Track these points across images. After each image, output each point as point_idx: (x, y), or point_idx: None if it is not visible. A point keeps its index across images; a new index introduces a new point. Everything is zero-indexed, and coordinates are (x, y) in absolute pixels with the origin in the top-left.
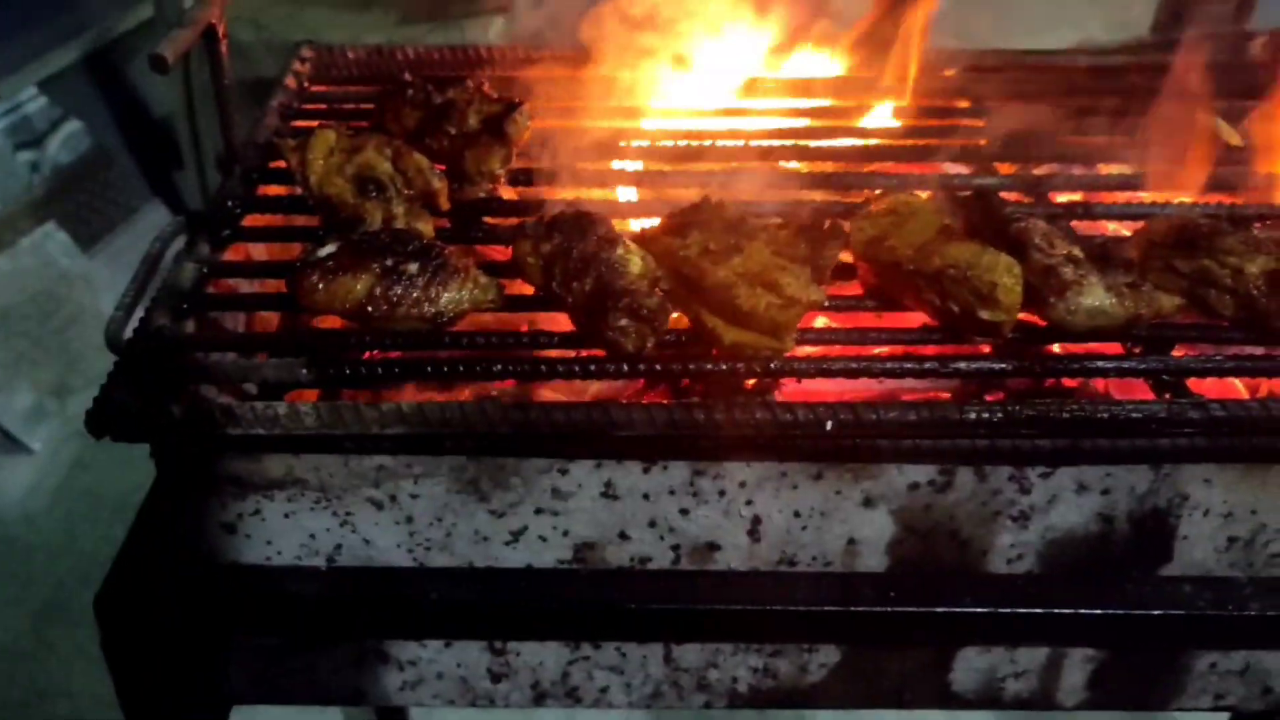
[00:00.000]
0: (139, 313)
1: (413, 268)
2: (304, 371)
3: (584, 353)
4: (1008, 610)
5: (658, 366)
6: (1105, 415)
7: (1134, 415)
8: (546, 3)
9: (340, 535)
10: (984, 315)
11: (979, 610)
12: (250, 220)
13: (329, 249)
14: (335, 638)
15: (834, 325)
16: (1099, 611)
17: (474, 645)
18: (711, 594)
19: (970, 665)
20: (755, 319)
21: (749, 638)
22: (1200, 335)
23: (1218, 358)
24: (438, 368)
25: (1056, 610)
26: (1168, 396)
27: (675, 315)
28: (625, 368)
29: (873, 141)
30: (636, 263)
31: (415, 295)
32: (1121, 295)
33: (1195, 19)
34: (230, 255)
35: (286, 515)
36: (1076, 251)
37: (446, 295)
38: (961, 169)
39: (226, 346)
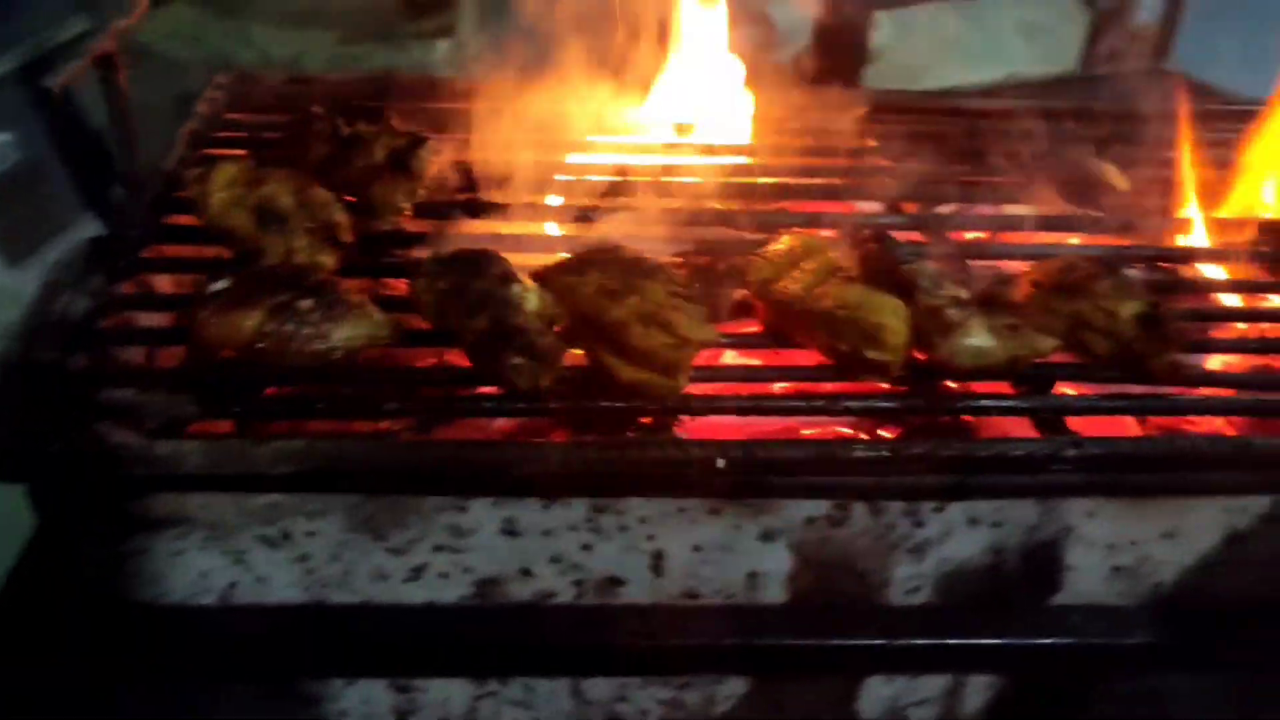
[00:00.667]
0: None
1: (306, 303)
2: (191, 408)
3: (482, 390)
4: (907, 641)
5: (553, 404)
6: (987, 453)
7: (1015, 453)
8: (489, 27)
9: (233, 573)
10: (871, 355)
11: (880, 641)
12: (155, 250)
13: (222, 284)
14: (231, 679)
15: (740, 363)
16: (994, 641)
17: (378, 684)
18: (616, 628)
19: (875, 694)
20: (649, 357)
21: (655, 671)
22: (1081, 375)
23: (1097, 397)
24: (329, 404)
25: (954, 640)
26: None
27: (577, 353)
28: (520, 405)
29: (780, 180)
30: (533, 300)
31: (308, 331)
32: (1002, 336)
33: (1116, 59)
34: (130, 286)
35: (176, 554)
36: (963, 293)
37: (340, 331)
38: (871, 208)
39: (117, 380)
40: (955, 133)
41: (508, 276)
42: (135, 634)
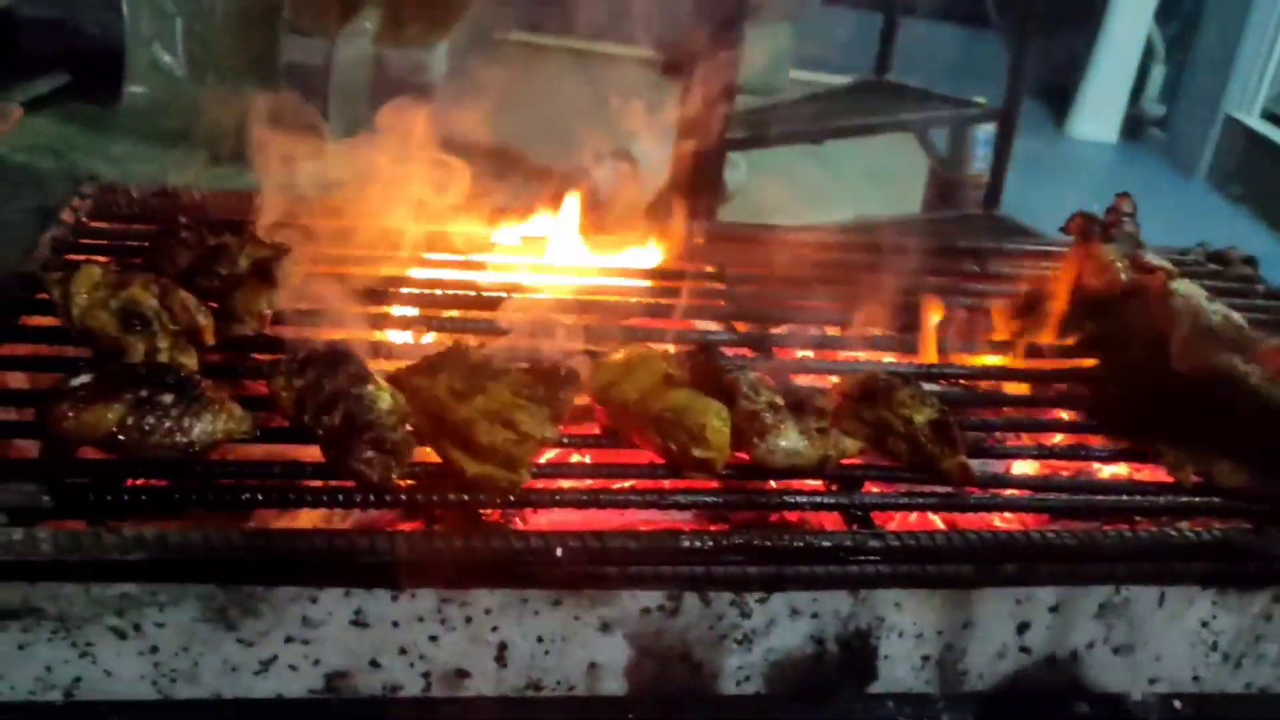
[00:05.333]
0: None
1: (167, 398)
2: (45, 498)
3: (334, 483)
4: None
5: (402, 496)
6: (800, 544)
7: (825, 544)
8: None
9: (80, 667)
10: (697, 453)
11: None
12: (8, 349)
13: (83, 378)
14: None
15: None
16: None
17: None
18: None
19: None
20: (494, 453)
21: None
22: (885, 475)
23: (898, 494)
24: (185, 496)
25: None
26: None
27: (425, 449)
28: (371, 498)
29: (627, 300)
30: (386, 399)
31: (168, 425)
32: (812, 438)
33: (952, 204)
34: None
35: (21, 646)
36: (778, 400)
37: (199, 426)
38: (708, 325)
39: None
40: (788, 261)
41: (362, 376)
42: None
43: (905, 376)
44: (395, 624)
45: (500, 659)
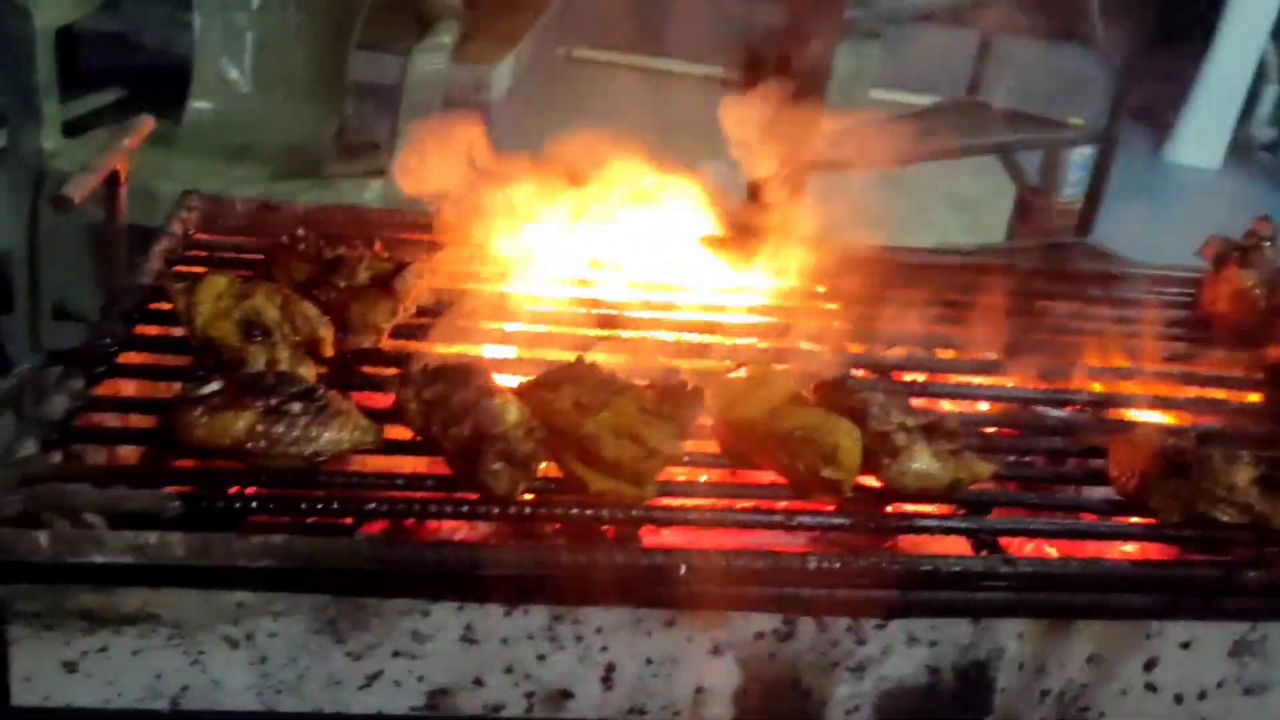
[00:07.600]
0: None
1: (295, 407)
2: (174, 503)
3: (458, 495)
4: None
5: (528, 510)
6: (928, 569)
7: (954, 569)
8: (422, 169)
9: (189, 675)
10: (827, 474)
11: None
12: (125, 358)
13: (213, 386)
14: None
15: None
16: None
17: None
18: None
19: None
20: (619, 468)
21: None
22: (1015, 501)
23: (1028, 520)
24: (312, 505)
25: None
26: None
27: (548, 464)
28: (496, 510)
29: (741, 319)
30: (513, 412)
31: (296, 434)
32: (944, 461)
33: (1040, 231)
34: (103, 391)
35: (135, 653)
36: (909, 421)
37: (326, 435)
38: (820, 346)
39: (87, 478)
40: (898, 283)
41: (489, 389)
42: None
43: (1203, 436)
44: (504, 641)
45: (606, 680)
